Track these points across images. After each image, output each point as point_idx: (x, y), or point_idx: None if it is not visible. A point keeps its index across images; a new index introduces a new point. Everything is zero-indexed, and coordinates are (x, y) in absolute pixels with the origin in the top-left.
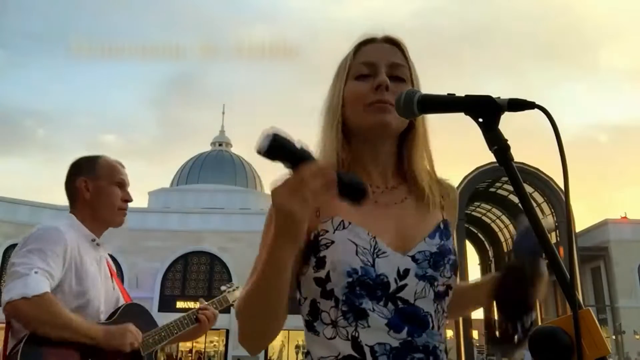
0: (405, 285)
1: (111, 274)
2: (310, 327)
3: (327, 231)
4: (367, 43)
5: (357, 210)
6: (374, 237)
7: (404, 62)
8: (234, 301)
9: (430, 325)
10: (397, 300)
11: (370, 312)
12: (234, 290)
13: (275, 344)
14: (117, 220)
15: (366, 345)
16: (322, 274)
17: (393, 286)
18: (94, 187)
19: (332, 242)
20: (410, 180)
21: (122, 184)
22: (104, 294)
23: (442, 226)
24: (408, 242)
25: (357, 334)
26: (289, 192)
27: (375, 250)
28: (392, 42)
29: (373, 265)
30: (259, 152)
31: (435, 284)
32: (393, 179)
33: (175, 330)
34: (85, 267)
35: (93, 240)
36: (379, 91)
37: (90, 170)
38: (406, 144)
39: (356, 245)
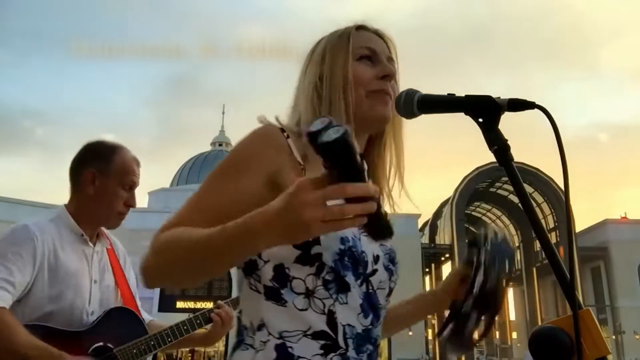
0: (376, 270)
1: (113, 269)
2: (273, 294)
3: None
4: (363, 29)
5: None
6: None
7: (395, 59)
8: None
9: (381, 319)
10: (369, 283)
11: (352, 287)
12: None
13: None
14: (112, 224)
15: (340, 323)
16: None
17: (369, 268)
18: (100, 183)
19: None
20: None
21: (131, 187)
22: (99, 292)
23: None
24: None
25: (334, 309)
26: (322, 200)
27: (358, 228)
28: (384, 39)
29: (360, 240)
30: (319, 139)
31: (392, 279)
32: None
33: (170, 339)
34: (63, 267)
35: (82, 235)
36: (383, 81)
37: (102, 163)
38: (376, 143)
39: None
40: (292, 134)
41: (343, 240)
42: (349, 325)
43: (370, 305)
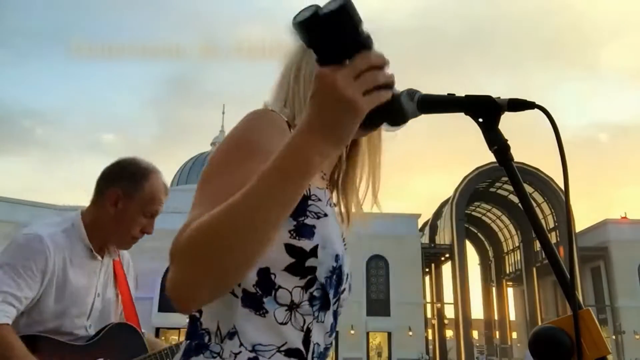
0: (344, 289)
1: (116, 282)
2: (253, 302)
3: (320, 199)
4: None
5: None
6: (342, 232)
7: None
8: None
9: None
10: (338, 302)
11: (331, 306)
12: None
13: None
14: (123, 247)
15: (312, 342)
16: (305, 244)
17: (343, 286)
18: (123, 206)
19: (326, 215)
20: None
21: (153, 215)
22: (100, 305)
23: None
24: None
25: (311, 327)
26: (354, 77)
27: (344, 243)
28: None
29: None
30: (318, 15)
31: (348, 296)
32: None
33: (169, 358)
34: (69, 283)
35: (90, 250)
36: None
37: (130, 187)
38: (351, 154)
39: (340, 230)
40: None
41: (337, 258)
42: (317, 344)
43: (335, 324)
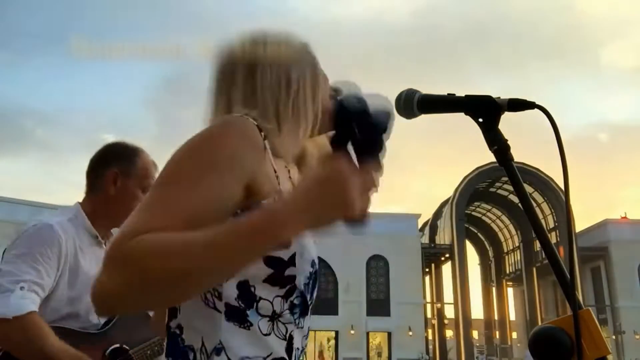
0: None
1: None
2: (237, 315)
3: None
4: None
5: None
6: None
7: None
8: None
9: None
10: (312, 303)
11: (309, 310)
12: None
13: None
14: None
15: (294, 348)
16: (283, 254)
17: (316, 288)
18: (122, 184)
19: None
20: None
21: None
22: None
23: None
24: None
25: (293, 334)
26: (361, 189)
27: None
28: None
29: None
30: (369, 114)
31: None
32: None
33: None
34: (81, 269)
35: (96, 237)
36: None
37: (125, 164)
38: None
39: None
40: (268, 133)
41: (312, 264)
42: (297, 349)
43: (308, 325)
